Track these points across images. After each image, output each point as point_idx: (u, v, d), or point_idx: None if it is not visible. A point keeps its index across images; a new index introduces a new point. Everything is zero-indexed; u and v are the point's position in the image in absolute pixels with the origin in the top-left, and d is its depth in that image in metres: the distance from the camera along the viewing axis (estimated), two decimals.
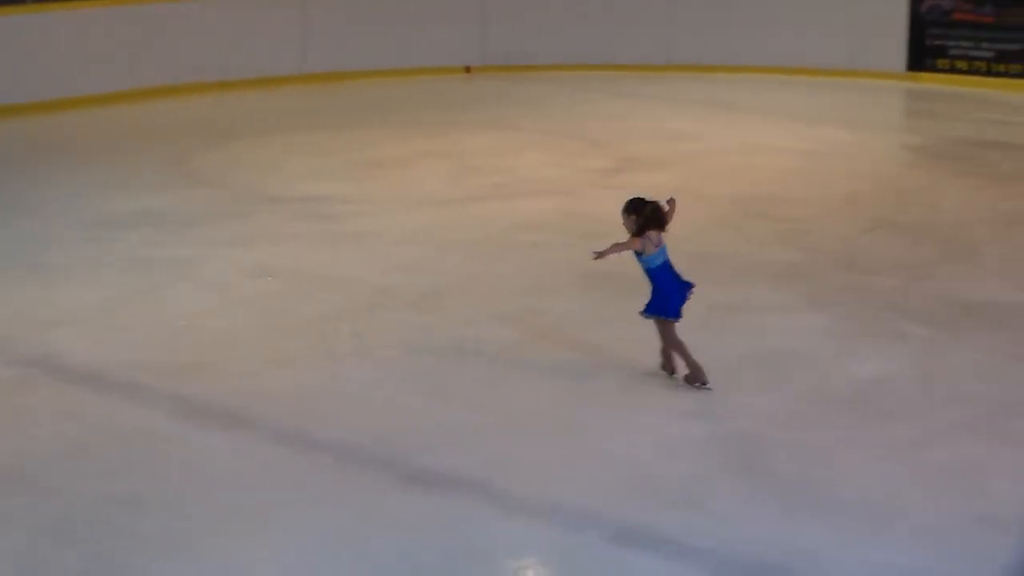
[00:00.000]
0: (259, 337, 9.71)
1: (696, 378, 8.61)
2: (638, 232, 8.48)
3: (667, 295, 8.55)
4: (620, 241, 8.54)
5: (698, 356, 8.71)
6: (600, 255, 8.48)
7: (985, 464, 7.71)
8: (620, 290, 10.41)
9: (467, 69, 21.46)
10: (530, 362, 9.26)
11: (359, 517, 7.15)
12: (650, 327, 8.75)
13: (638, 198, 8.60)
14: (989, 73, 20.39)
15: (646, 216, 8.47)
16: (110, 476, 7.63)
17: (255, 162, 15.54)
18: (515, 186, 14.18)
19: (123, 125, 17.70)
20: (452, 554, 6.78)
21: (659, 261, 8.53)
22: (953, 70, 20.64)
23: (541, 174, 14.79)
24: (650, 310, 8.61)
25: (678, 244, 11.62)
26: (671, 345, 8.65)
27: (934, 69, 20.76)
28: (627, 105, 19.14)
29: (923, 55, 20.82)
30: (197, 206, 13.40)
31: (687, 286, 8.62)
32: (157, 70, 19.11)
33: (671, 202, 8.69)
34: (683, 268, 10.53)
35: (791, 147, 16.23)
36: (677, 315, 8.57)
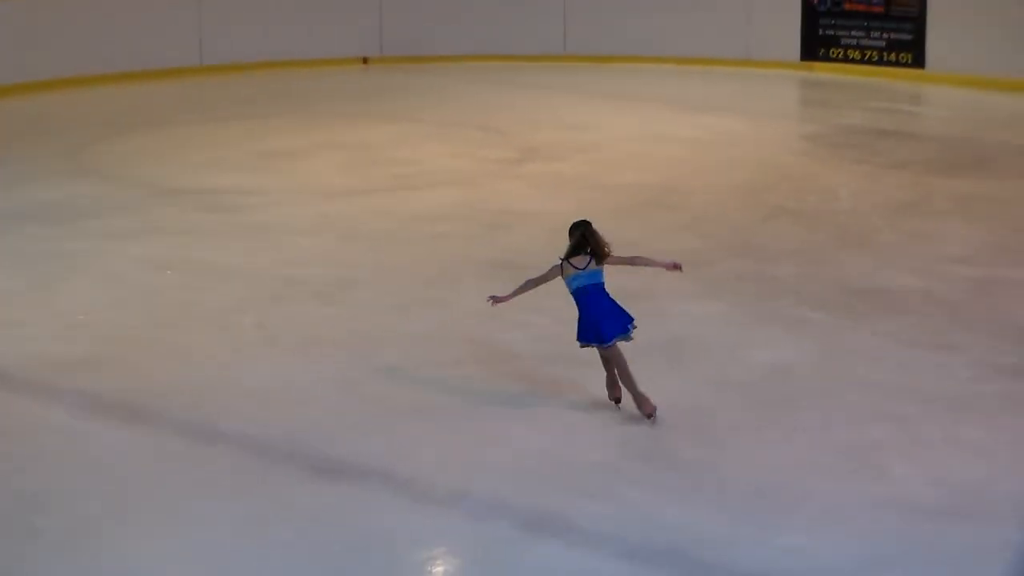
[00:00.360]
0: (160, 330, 9.63)
1: (642, 410, 8.18)
2: (568, 253, 8.19)
3: (590, 320, 8.17)
4: (533, 277, 8.33)
5: None
6: (498, 300, 8.36)
7: (884, 448, 7.84)
8: (521, 279, 10.44)
9: (364, 60, 21.40)
10: (434, 352, 9.28)
11: (263, 510, 7.13)
12: (555, 316, 8.79)
13: (579, 221, 8.31)
14: (880, 62, 20.66)
15: (576, 240, 8.19)
16: (8, 472, 7.55)
17: (153, 154, 15.40)
18: (417, 177, 14.17)
19: (15, 117, 17.45)
20: (359, 544, 6.79)
21: (576, 284, 8.17)
22: (846, 59, 20.90)
23: (443, 165, 14.79)
24: (580, 338, 8.25)
25: None
26: (619, 373, 8.24)
27: (827, 59, 21.00)
28: (527, 95, 19.18)
29: (816, 45, 21.06)
30: (93, 199, 13.26)
31: (624, 316, 8.20)
32: (50, 62, 18.84)
33: (675, 266, 8.40)
34: None
35: (689, 136, 16.35)
36: (602, 341, 8.16)
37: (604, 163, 14.88)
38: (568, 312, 8.77)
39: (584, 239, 8.17)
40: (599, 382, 8.59)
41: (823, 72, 20.85)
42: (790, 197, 13.57)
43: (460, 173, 14.38)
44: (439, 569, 6.79)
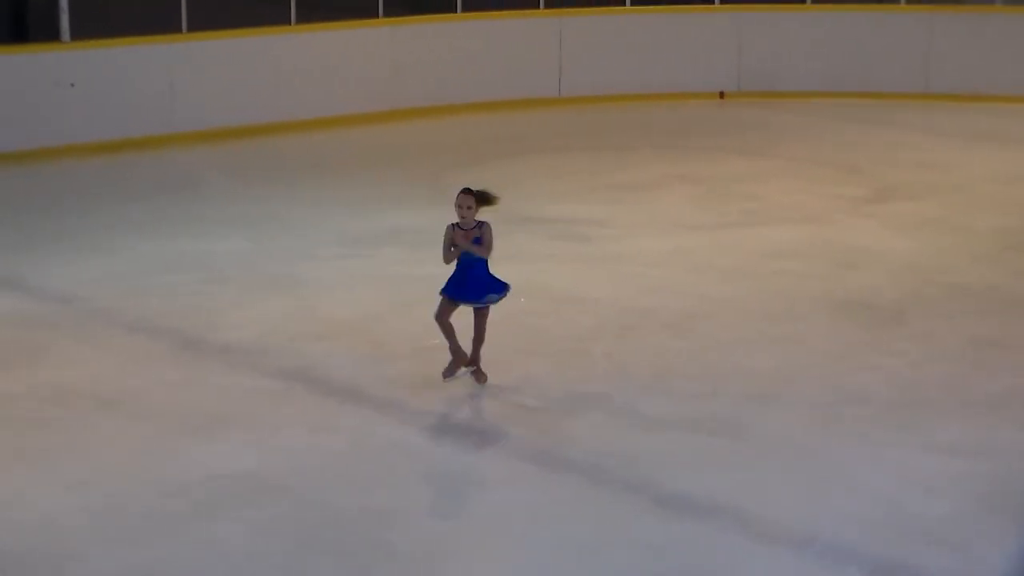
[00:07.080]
0: (511, 356, 9.77)
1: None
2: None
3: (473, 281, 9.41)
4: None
5: (957, 391, 8.75)
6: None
7: None
8: (873, 319, 10.31)
9: (721, 94, 21.38)
10: (783, 390, 9.19)
11: (605, 536, 7.19)
12: (908, 359, 8.60)
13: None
14: None
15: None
16: (365, 488, 7.80)
17: (509, 182, 15.58)
18: (769, 213, 14.05)
19: (378, 145, 18.00)
20: None
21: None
22: None
23: (796, 201, 14.63)
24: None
25: (936, 276, 11.50)
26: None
27: None
28: (884, 133, 18.80)
29: None
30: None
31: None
32: (413, 91, 19.41)
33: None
34: (941, 299, 10.47)
35: None
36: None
37: (962, 204, 14.47)
38: (920, 355, 8.58)
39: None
40: (955, 428, 8.38)
41: None
42: None
43: (812, 210, 14.20)
44: None
